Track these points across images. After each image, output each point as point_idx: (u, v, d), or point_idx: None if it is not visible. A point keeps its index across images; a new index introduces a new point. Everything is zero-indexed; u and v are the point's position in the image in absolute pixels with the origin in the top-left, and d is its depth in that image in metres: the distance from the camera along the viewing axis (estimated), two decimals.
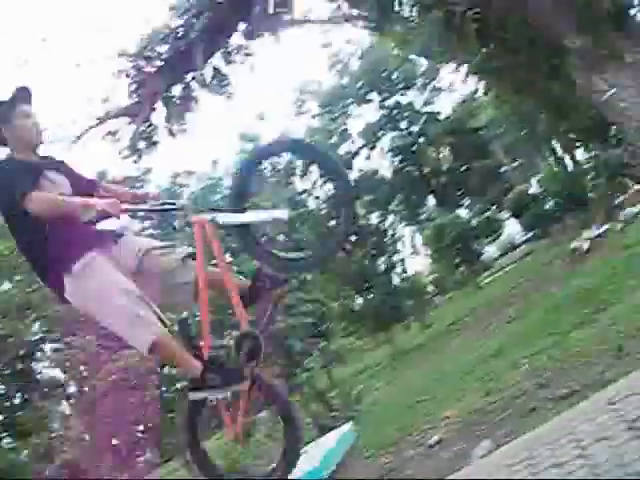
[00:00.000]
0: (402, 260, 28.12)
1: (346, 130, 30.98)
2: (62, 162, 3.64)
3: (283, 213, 3.49)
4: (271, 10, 15.29)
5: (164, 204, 3.43)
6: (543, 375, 6.79)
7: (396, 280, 26.23)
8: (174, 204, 3.45)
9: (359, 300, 24.04)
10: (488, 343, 12.37)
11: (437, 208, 33.14)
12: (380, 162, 32.03)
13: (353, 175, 28.95)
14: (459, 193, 34.41)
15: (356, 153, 30.88)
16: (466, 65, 15.88)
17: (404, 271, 27.55)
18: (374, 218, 29.55)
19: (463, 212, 35.24)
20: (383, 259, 24.95)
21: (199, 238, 3.33)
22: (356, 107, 31.24)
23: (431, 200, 34.24)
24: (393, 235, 27.69)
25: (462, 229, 27.69)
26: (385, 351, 23.27)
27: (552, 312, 10.35)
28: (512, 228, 37.64)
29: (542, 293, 14.00)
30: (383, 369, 21.04)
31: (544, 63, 15.19)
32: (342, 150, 29.92)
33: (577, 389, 5.55)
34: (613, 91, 13.53)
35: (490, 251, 37.01)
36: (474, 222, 32.28)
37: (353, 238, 23.97)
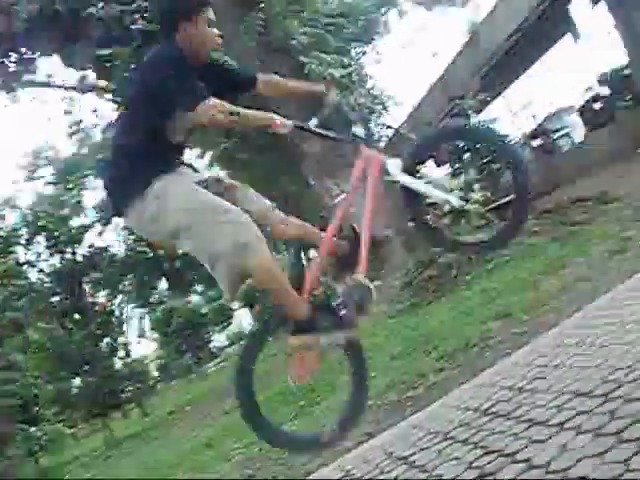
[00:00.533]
0: (126, 343, 27.22)
1: (80, 202, 29.45)
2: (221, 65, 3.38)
3: (457, 200, 3.23)
4: (12, 68, 14.58)
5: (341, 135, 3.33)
6: (252, 466, 6.75)
7: (118, 364, 25.23)
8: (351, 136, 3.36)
9: (76, 383, 22.81)
10: (203, 433, 12.22)
11: (168, 292, 32.75)
12: (113, 239, 30.86)
13: (82, 249, 27.52)
14: (192, 279, 34.40)
15: (89, 227, 29.28)
16: (210, 153, 16.28)
17: (127, 354, 26.63)
18: (101, 297, 28.34)
19: (195, 298, 35.26)
20: (107, 340, 23.95)
21: (357, 171, 3.33)
22: (93, 179, 30.02)
23: (163, 283, 33.72)
24: (120, 316, 26.80)
25: (192, 315, 27.60)
26: (100, 439, 22.26)
27: (269, 404, 10.48)
28: (243, 318, 38.41)
29: (263, 385, 14.24)
30: (96, 458, 20.05)
31: (283, 163, 16.00)
32: (74, 223, 28.36)
33: (281, 479, 5.59)
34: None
35: (219, 340, 37.30)
36: (205, 309, 32.34)
37: (76, 316, 22.85)
